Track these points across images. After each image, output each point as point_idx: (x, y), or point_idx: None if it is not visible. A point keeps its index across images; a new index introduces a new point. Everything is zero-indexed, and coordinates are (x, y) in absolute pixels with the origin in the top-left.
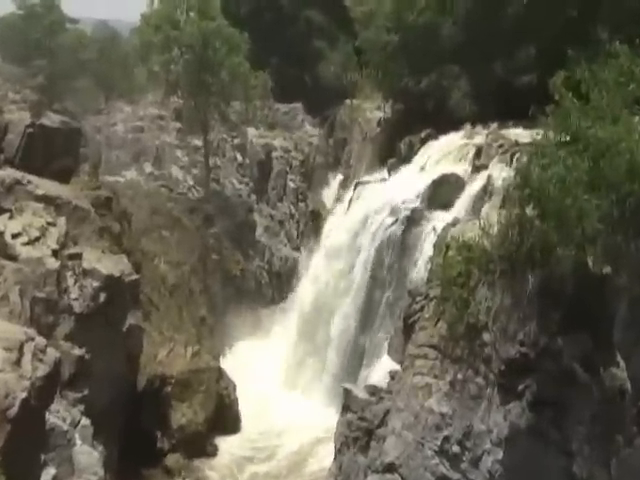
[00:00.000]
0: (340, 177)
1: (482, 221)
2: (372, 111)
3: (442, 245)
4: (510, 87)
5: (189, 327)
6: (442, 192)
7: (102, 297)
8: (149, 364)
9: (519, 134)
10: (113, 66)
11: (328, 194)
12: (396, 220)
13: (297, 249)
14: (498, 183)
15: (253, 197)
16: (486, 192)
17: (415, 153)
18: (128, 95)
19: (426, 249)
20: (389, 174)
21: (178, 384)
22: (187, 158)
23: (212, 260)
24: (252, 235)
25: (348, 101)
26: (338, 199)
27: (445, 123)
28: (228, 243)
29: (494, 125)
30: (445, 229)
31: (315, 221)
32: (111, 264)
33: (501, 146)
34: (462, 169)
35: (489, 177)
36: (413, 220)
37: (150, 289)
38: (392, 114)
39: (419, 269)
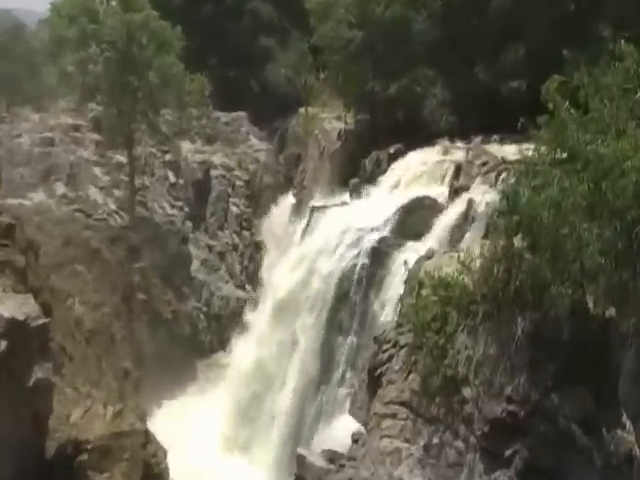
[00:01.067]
0: (292, 200)
1: (462, 254)
2: (331, 122)
3: (414, 282)
4: (495, 94)
5: (110, 382)
6: (414, 219)
7: (2, 345)
8: (61, 427)
9: (506, 150)
10: (17, 65)
11: (278, 221)
12: (359, 252)
13: (241, 287)
14: (481, 208)
15: (188, 224)
16: (467, 219)
17: (382, 172)
18: (35, 101)
19: (395, 287)
20: (351, 197)
21: (96, 451)
22: (108, 177)
23: (138, 300)
24: (186, 270)
25: (302, 110)
26: (290, 227)
27: (418, 136)
28: (158, 280)
29: (476, 139)
30: (418, 263)
31: (262, 253)
32: (14, 306)
33: (484, 164)
34: (438, 191)
35: (470, 201)
36: (380, 252)
37: (62, 336)
38: (355, 125)
39: (387, 311)
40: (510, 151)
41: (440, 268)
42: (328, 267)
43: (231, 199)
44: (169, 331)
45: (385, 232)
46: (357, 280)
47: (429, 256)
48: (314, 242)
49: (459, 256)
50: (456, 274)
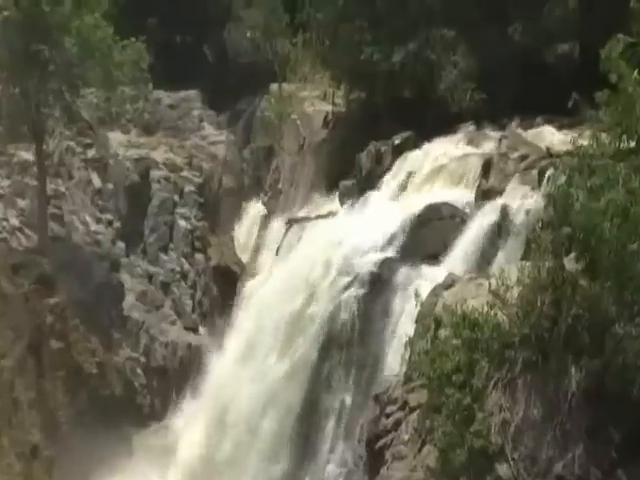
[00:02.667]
0: (262, 210)
1: (494, 280)
2: (314, 102)
3: (429, 320)
4: (537, 62)
5: (13, 462)
6: (429, 233)
7: None
8: None
9: (552, 138)
10: None
11: (243, 238)
12: (354, 280)
13: (193, 329)
14: (519, 218)
15: (119, 245)
16: (500, 233)
17: (385, 170)
18: None
19: (403, 326)
20: (342, 205)
21: None
22: (8, 181)
23: (51, 350)
24: (118, 307)
25: (275, 86)
26: (259, 246)
27: (433, 121)
28: (78, 321)
29: (512, 124)
30: (434, 293)
31: (222, 283)
32: None
33: (523, 158)
34: (461, 196)
35: (504, 208)
36: (381, 280)
37: None
38: (347, 107)
39: (391, 360)
40: (558, 140)
41: (464, 300)
42: (312, 302)
43: (178, 209)
44: (94, 391)
45: (388, 252)
46: (351, 318)
47: (449, 284)
48: (292, 268)
49: (490, 284)
50: (486, 308)
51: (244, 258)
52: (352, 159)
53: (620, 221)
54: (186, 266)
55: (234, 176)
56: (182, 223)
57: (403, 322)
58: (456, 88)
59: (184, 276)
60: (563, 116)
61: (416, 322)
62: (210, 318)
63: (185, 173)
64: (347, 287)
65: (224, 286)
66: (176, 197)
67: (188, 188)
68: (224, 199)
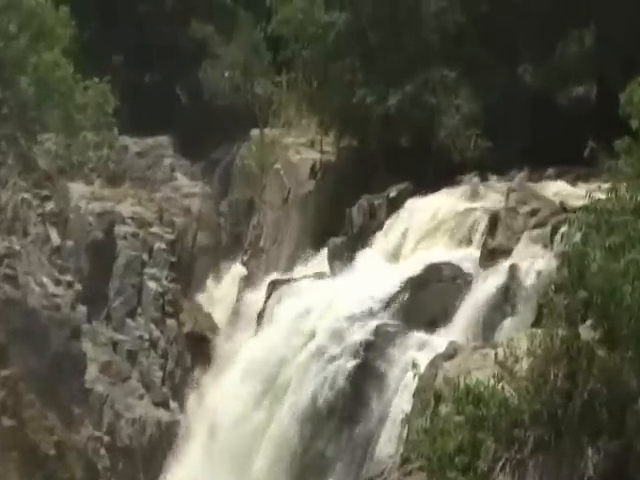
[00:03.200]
0: (242, 271)
1: (501, 350)
2: (300, 150)
3: (428, 394)
4: (550, 106)
5: None
6: (428, 298)
7: None
8: None
9: (566, 191)
10: None
11: (220, 303)
12: (344, 350)
13: (163, 404)
14: (529, 280)
15: (81, 309)
16: (508, 297)
17: (379, 226)
18: None
19: (399, 401)
20: (332, 265)
21: None
22: None
23: (2, 428)
24: (79, 379)
25: (256, 132)
26: (239, 311)
27: (433, 171)
28: (34, 395)
29: (521, 175)
30: (434, 365)
31: (197, 352)
32: None
33: (534, 213)
34: (464, 255)
35: (513, 270)
36: (375, 349)
37: None
38: (337, 156)
39: (386, 439)
40: (573, 193)
41: (468, 372)
42: (298, 373)
43: (147, 270)
44: (51, 475)
45: (383, 318)
46: (340, 393)
47: (451, 355)
48: (275, 336)
49: (496, 354)
50: (492, 381)
51: (221, 324)
52: (342, 214)
53: None
54: (156, 333)
55: (210, 232)
56: (151, 285)
57: (399, 397)
58: (458, 135)
59: (153, 344)
60: (578, 166)
61: (414, 397)
62: (182, 391)
63: (155, 229)
64: (336, 358)
65: (198, 355)
66: (145, 256)
67: (158, 245)
68: (199, 258)
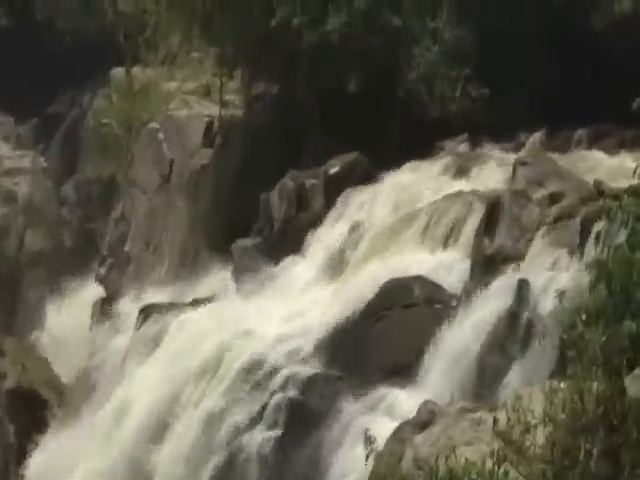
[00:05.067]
0: (99, 291)
1: (503, 414)
2: (190, 101)
3: None
4: (580, 33)
5: None
6: (390, 332)
7: None
8: None
9: (605, 164)
10: None
11: (64, 340)
12: (259, 414)
13: None
14: (547, 306)
15: None
16: (514, 331)
17: (314, 221)
18: None
19: None
20: (238, 281)
21: None
22: None
23: None
24: None
25: (120, 72)
26: (94, 355)
27: (398, 134)
28: None
29: (534, 139)
30: (399, 437)
31: (26, 418)
32: None
33: (555, 200)
34: (446, 265)
35: (522, 288)
36: (304, 413)
37: None
38: (247, 110)
39: None
40: (615, 167)
41: (452, 450)
42: (184, 449)
43: None
44: None
45: (318, 366)
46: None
47: (425, 422)
48: (151, 392)
49: (496, 420)
50: (490, 464)
51: (65, 375)
52: (255, 201)
53: None
54: None
55: (46, 231)
56: None
57: None
58: (437, 77)
59: None
60: (623, 127)
61: None
62: (4, 476)
63: None
64: (242, 429)
65: (28, 423)
66: None
67: None
68: (28, 272)
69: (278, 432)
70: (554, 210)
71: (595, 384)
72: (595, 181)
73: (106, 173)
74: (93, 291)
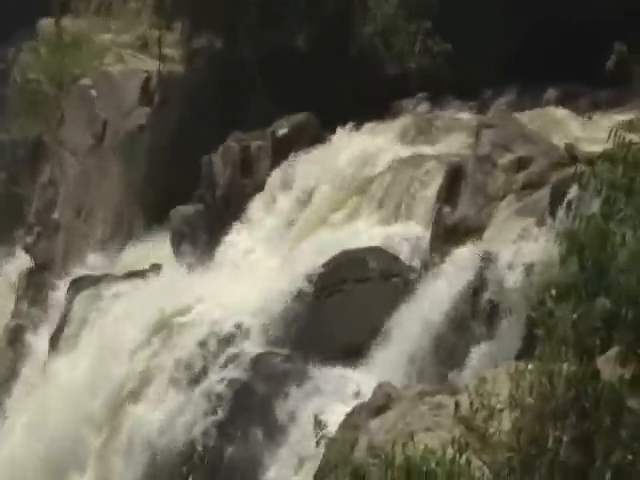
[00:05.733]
0: (24, 262)
1: (465, 398)
2: (125, 55)
3: (342, 474)
4: None
5: None
6: (342, 308)
7: None
8: None
9: (576, 127)
10: None
11: None
12: (193, 401)
13: None
14: (513, 279)
15: None
16: (477, 308)
17: (258, 187)
18: None
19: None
20: (177, 251)
21: None
22: None
23: None
24: None
25: (48, 23)
26: (16, 335)
27: (351, 94)
28: None
29: (501, 99)
30: (352, 424)
31: None
32: None
33: (522, 165)
34: (404, 235)
35: (486, 261)
36: (249, 396)
37: None
38: (187, 65)
39: None
40: (587, 130)
41: (409, 437)
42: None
43: None
44: None
45: (263, 344)
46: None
47: (381, 406)
48: (82, 375)
49: (458, 404)
50: (451, 452)
51: None
52: (196, 165)
53: None
54: None
55: None
56: None
57: (289, 477)
58: (395, 30)
59: None
60: (596, 86)
61: (317, 478)
62: None
63: None
64: (181, 412)
65: None
66: None
67: None
68: None
69: (219, 418)
70: (521, 177)
71: (565, 366)
72: (566, 145)
73: (33, 133)
74: (18, 263)
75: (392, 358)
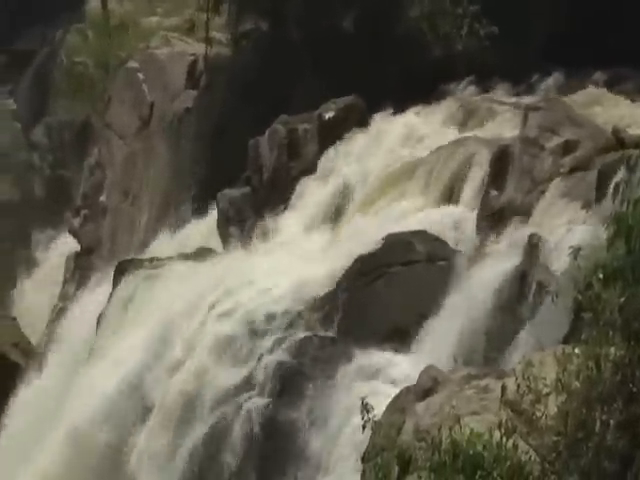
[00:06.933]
0: (72, 245)
1: (512, 382)
2: (172, 38)
3: (389, 457)
4: None
5: None
6: (388, 292)
7: None
8: None
9: (624, 110)
10: None
11: (34, 299)
12: (242, 383)
13: None
14: (560, 264)
15: None
16: (524, 292)
17: (306, 170)
18: None
19: (337, 468)
20: (224, 235)
21: None
22: None
23: None
24: None
25: (94, 5)
26: (63, 315)
27: (397, 78)
28: None
29: (548, 82)
30: (398, 407)
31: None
32: None
33: (569, 149)
34: (450, 219)
35: (533, 244)
36: (295, 379)
37: None
38: (234, 48)
39: None
40: (634, 114)
41: (457, 421)
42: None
43: None
44: None
45: (311, 328)
46: (237, 456)
47: (427, 390)
48: (130, 357)
49: (504, 388)
50: (498, 436)
51: (35, 337)
52: (243, 147)
53: None
54: None
55: (13, 179)
56: None
57: (337, 460)
58: (441, 13)
59: None
60: None
61: (364, 461)
62: None
63: None
64: (229, 396)
65: None
66: None
67: None
68: None
69: (267, 401)
70: (568, 160)
71: (612, 349)
72: (614, 128)
73: (80, 116)
74: (65, 246)
75: (438, 341)
